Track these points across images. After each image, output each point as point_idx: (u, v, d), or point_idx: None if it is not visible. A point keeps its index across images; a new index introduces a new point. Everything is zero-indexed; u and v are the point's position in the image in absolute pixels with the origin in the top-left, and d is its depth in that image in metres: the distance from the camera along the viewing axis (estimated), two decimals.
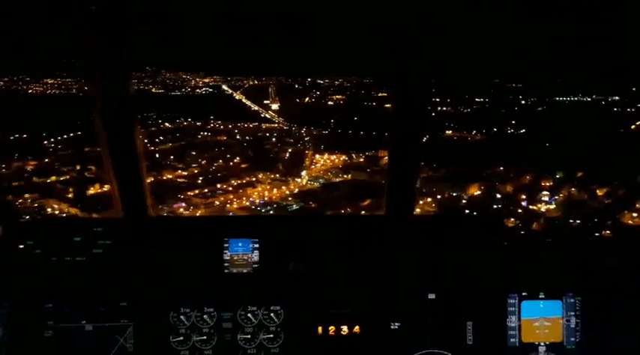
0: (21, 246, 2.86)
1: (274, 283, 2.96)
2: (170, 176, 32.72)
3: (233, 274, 2.96)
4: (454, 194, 30.81)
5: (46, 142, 38.86)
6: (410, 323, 2.93)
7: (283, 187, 33.23)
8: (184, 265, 2.93)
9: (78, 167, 33.75)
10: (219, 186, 31.52)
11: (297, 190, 33.11)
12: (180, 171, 33.72)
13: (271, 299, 2.93)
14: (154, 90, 48.62)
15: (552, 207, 30.48)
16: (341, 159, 37.02)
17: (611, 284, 3.02)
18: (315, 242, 2.99)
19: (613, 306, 2.97)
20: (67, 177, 31.98)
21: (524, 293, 2.96)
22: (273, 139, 40.72)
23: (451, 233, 3.04)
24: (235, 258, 2.96)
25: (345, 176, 34.54)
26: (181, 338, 2.85)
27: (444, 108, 50.53)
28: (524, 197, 31.03)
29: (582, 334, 2.97)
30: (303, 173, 34.56)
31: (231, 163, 35.32)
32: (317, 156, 37.28)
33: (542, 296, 2.97)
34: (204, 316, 2.87)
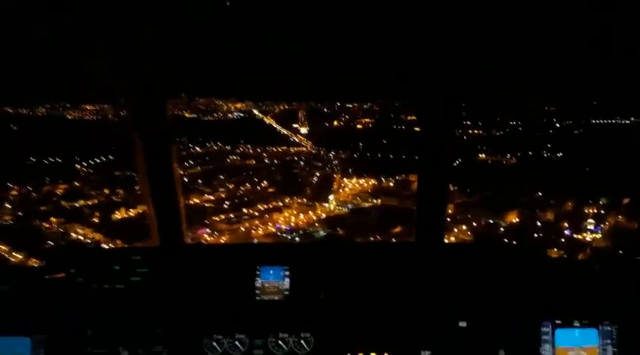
0: (63, 275, 2.90)
1: (305, 311, 2.94)
2: (197, 200, 31.81)
3: (264, 301, 2.96)
4: (491, 221, 28.76)
5: (78, 166, 38.98)
6: (441, 352, 2.84)
7: (310, 212, 31.89)
8: (217, 292, 2.94)
9: (106, 191, 33.14)
10: (245, 210, 30.41)
11: (324, 216, 31.73)
12: (207, 195, 32.80)
13: (302, 327, 2.90)
14: (187, 115, 48.52)
15: (599, 236, 28.05)
16: (370, 183, 35.46)
17: None
18: (346, 270, 2.98)
19: None
20: (95, 201, 31.37)
21: (558, 321, 2.83)
22: (302, 163, 39.59)
23: (483, 261, 2.95)
24: (267, 285, 2.97)
25: (375, 201, 33.01)
26: None
27: (476, 132, 49.02)
28: (567, 225, 28.72)
29: None
30: (331, 198, 33.12)
31: (258, 187, 34.23)
32: (345, 180, 35.82)
33: (577, 324, 2.85)
34: (236, 342, 2.87)
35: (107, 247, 23.08)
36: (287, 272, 3.00)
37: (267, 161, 40.68)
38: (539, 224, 28.95)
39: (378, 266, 3.01)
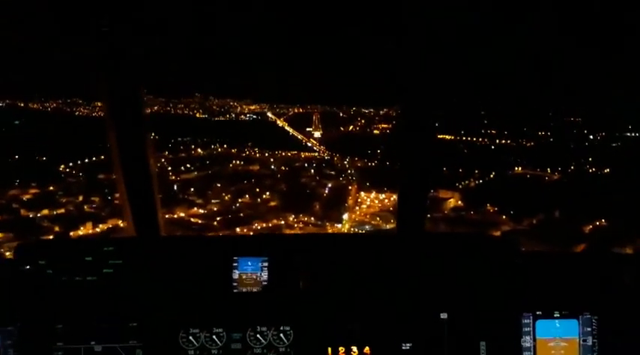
0: (32, 266, 2.67)
1: (284, 303, 2.78)
2: (183, 214, 24.29)
3: (242, 293, 2.79)
4: None
5: (62, 166, 32.50)
6: (421, 344, 2.71)
7: None
8: (193, 284, 2.76)
9: (80, 198, 25.74)
10: (238, 230, 22.66)
11: None
12: (196, 208, 25.24)
13: (281, 320, 2.73)
14: (198, 115, 43.10)
15: None
16: (392, 199, 27.31)
17: (629, 302, 2.76)
18: (326, 260, 2.82)
19: (631, 326, 2.72)
20: (62, 210, 24.06)
21: (538, 313, 2.74)
22: (312, 171, 31.88)
23: (463, 250, 2.80)
24: (244, 276, 2.80)
25: None
26: None
27: (504, 142, 41.65)
28: None
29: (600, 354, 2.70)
30: (345, 217, 25.22)
31: (258, 200, 26.64)
32: (362, 194, 27.92)
33: (557, 315, 2.75)
34: (213, 336, 2.71)
35: (78, 238, 20.00)
36: (265, 264, 2.79)
37: (273, 167, 33.25)
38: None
39: (359, 257, 2.81)
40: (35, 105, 41.75)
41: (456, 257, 2.81)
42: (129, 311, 2.70)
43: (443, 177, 30.52)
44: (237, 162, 34.13)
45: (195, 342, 2.69)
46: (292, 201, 25.82)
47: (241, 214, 24.47)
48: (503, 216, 23.28)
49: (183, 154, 36.20)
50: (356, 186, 29.04)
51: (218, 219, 23.91)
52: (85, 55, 2.68)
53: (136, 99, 2.88)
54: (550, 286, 2.82)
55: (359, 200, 27.35)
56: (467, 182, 30.14)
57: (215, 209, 25.39)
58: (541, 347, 2.72)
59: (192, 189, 27.71)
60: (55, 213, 23.93)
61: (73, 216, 23.46)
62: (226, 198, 26.73)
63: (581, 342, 2.75)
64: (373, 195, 27.22)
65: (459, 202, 26.82)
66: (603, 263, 2.98)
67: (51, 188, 27.49)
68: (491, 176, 32.02)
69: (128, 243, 2.91)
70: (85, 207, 24.67)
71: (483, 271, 2.79)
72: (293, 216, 24.14)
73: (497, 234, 22.33)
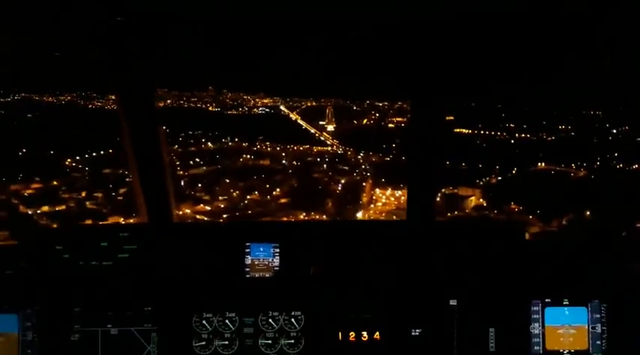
0: (50, 251, 2.73)
1: (295, 288, 2.77)
2: (188, 211, 22.58)
3: (255, 279, 2.79)
4: None
5: (69, 160, 31.12)
6: (431, 330, 2.68)
7: None
8: (207, 270, 2.78)
9: (83, 194, 24.21)
10: None
11: None
12: (202, 205, 23.50)
13: (292, 305, 2.74)
14: (210, 108, 41.60)
15: None
16: None
17: (638, 289, 2.68)
18: (337, 247, 2.79)
19: None
20: (63, 206, 22.50)
21: (547, 300, 2.68)
22: (324, 166, 29.91)
23: (473, 239, 2.74)
24: (256, 262, 2.79)
25: None
26: (203, 342, 2.69)
27: (524, 136, 39.27)
28: None
29: (608, 342, 2.67)
30: (359, 214, 23.23)
31: (268, 197, 24.78)
32: (377, 190, 25.90)
33: (566, 302, 2.70)
34: (226, 321, 2.74)
35: (94, 224, 19.10)
36: (277, 250, 2.77)
37: (284, 162, 31.44)
38: None
39: (369, 244, 2.76)
40: (50, 99, 40.95)
41: (465, 244, 2.72)
42: (144, 295, 2.68)
43: (462, 173, 28.37)
44: (248, 156, 32.36)
45: (208, 326, 2.63)
46: (303, 198, 23.96)
47: (249, 211, 22.68)
48: (530, 216, 21.08)
49: (193, 148, 34.65)
50: (370, 182, 27.04)
51: (225, 216, 22.13)
52: (98, 51, 2.62)
53: (149, 91, 2.79)
54: (559, 273, 2.71)
55: (374, 197, 25.34)
56: (488, 178, 28.00)
57: (222, 206, 23.65)
58: (550, 334, 2.60)
59: (199, 185, 25.96)
60: (55, 209, 22.35)
61: (73, 212, 21.86)
62: (234, 194, 24.99)
63: (590, 329, 2.64)
64: (389, 192, 25.16)
65: (481, 200, 24.65)
66: (612, 250, 2.87)
67: (54, 183, 26.00)
68: (513, 172, 29.80)
69: (142, 229, 2.89)
70: (87, 203, 23.16)
71: (492, 258, 2.69)
72: (304, 213, 22.27)
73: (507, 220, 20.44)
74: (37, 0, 2.10)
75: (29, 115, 38.01)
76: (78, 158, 31.15)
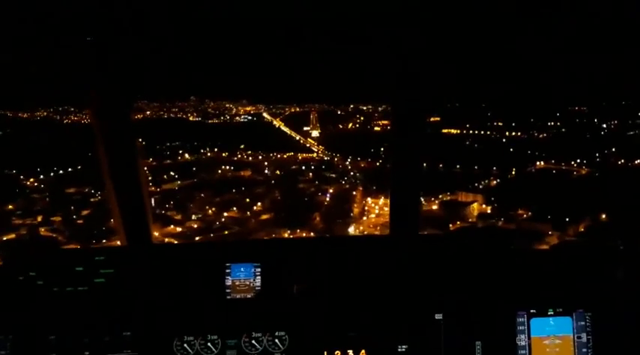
0: (22, 277, 2.51)
1: (278, 308, 2.57)
2: (156, 233, 18.93)
3: (236, 300, 2.58)
4: None
5: (32, 180, 27.64)
6: (417, 345, 2.52)
7: None
8: (187, 292, 2.55)
9: (39, 218, 20.59)
10: None
11: None
12: (172, 226, 19.98)
13: (275, 325, 2.53)
14: (191, 118, 40.71)
15: None
16: None
17: (622, 297, 2.59)
18: (319, 265, 2.59)
19: (625, 321, 2.55)
20: (12, 235, 18.76)
21: (532, 311, 2.54)
22: (310, 174, 26.69)
23: (455, 252, 2.64)
24: (237, 283, 2.59)
25: None
26: None
27: (515, 134, 36.84)
28: None
29: (594, 351, 2.59)
30: (351, 229, 19.85)
31: (248, 213, 21.34)
32: (369, 200, 22.53)
33: (551, 313, 2.55)
34: (208, 344, 2.49)
35: (68, 248, 13.99)
36: (258, 269, 2.60)
37: (267, 172, 28.20)
38: None
39: (352, 260, 2.59)
40: (25, 115, 37.76)
41: (449, 258, 2.58)
42: (122, 320, 2.46)
43: (457, 176, 25.39)
44: (227, 167, 29.02)
45: (190, 350, 2.45)
46: (288, 213, 20.57)
47: (226, 232, 19.19)
48: (541, 224, 18.06)
49: (168, 161, 31.32)
50: (361, 191, 23.77)
51: (197, 239, 18.58)
52: (75, 65, 2.47)
53: (124, 109, 2.63)
54: (543, 284, 2.59)
55: (366, 208, 22.00)
56: (487, 181, 25.04)
57: (195, 226, 20.11)
58: (536, 345, 2.53)
59: (171, 203, 22.46)
60: (4, 239, 18.66)
61: (24, 241, 18.22)
62: (210, 211, 21.53)
63: (576, 339, 2.54)
64: (382, 201, 21.78)
65: (484, 206, 21.56)
66: (595, 258, 2.77)
67: (10, 207, 22.24)
68: (513, 173, 26.95)
69: (119, 252, 2.66)
70: (42, 229, 19.47)
71: (477, 271, 2.56)
72: (289, 231, 18.86)
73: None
74: (11, 17, 1.97)
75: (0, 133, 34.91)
76: (42, 177, 27.73)
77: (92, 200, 23.51)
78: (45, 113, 37.77)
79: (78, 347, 2.40)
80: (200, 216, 21.00)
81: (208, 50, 2.45)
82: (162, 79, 2.81)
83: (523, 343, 2.49)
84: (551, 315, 2.52)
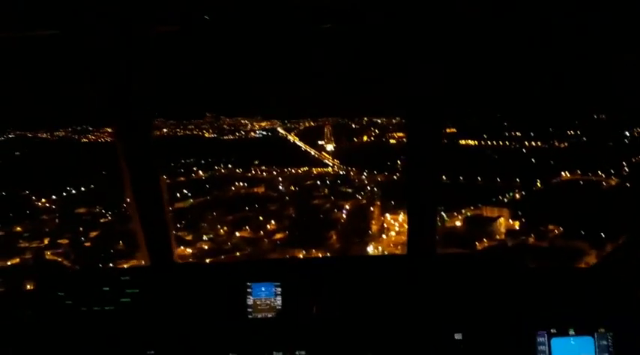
0: (52, 298, 2.57)
1: (298, 327, 2.57)
2: None
3: (257, 319, 2.59)
4: None
5: (43, 200, 26.95)
6: None
7: None
8: (209, 311, 2.57)
9: (46, 241, 19.64)
10: None
11: None
12: (182, 247, 18.73)
13: (296, 344, 2.52)
14: (207, 135, 39.50)
15: None
16: None
17: None
18: (338, 284, 2.58)
19: None
20: (17, 260, 17.79)
21: (553, 330, 2.46)
22: (325, 189, 25.39)
23: (474, 271, 2.57)
24: (258, 302, 2.58)
25: None
26: None
27: (535, 144, 35.11)
28: None
29: None
30: (370, 249, 18.32)
31: (261, 232, 20.06)
32: (388, 216, 21.00)
33: (572, 332, 2.46)
34: None
35: (95, 268, 15.30)
36: (279, 289, 2.57)
37: (281, 187, 26.99)
38: None
39: (371, 280, 2.57)
40: (44, 135, 37.63)
41: (467, 277, 2.51)
42: (146, 339, 2.49)
43: (480, 189, 23.79)
44: (240, 184, 27.93)
45: None
46: (303, 232, 19.22)
47: (237, 253, 17.88)
48: (576, 241, 16.36)
49: (182, 178, 30.41)
50: (379, 206, 22.30)
51: (207, 261, 17.35)
52: (96, 85, 2.43)
53: (146, 129, 2.62)
54: (563, 303, 2.49)
55: (385, 225, 20.48)
56: (511, 194, 23.37)
57: (205, 248, 18.86)
58: None
59: (183, 222, 21.34)
60: (8, 263, 17.69)
61: (28, 266, 17.21)
62: (221, 231, 20.31)
63: None
64: (401, 217, 20.26)
65: (511, 221, 19.87)
66: (617, 277, 2.61)
67: (18, 229, 21.41)
68: (538, 185, 25.21)
69: (144, 272, 2.69)
70: (48, 253, 18.45)
71: (496, 290, 2.49)
72: (304, 251, 17.44)
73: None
74: (32, 35, 1.99)
75: (17, 153, 34.60)
76: (54, 197, 27.01)
77: (102, 221, 22.60)
78: (63, 133, 37.63)
79: None
80: (211, 236, 19.80)
81: (223, 67, 2.40)
82: (181, 96, 3.35)
83: None
84: (572, 335, 2.44)
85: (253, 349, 2.47)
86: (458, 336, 2.43)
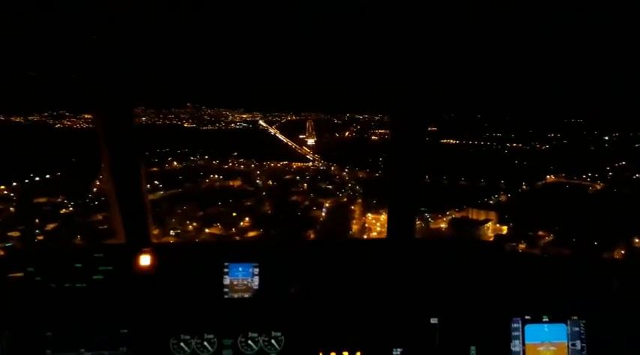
0: (21, 273, 2.46)
1: (275, 308, 2.53)
2: None
3: (233, 300, 2.52)
4: None
5: (2, 187, 24.51)
6: (412, 349, 2.47)
7: None
8: (184, 291, 2.51)
9: None
10: None
11: None
12: None
13: (272, 325, 2.50)
14: (186, 125, 38.29)
15: None
16: None
17: (616, 306, 2.52)
18: (316, 267, 2.55)
19: (619, 329, 2.49)
20: None
21: (527, 317, 2.48)
22: (305, 185, 23.66)
23: (452, 256, 2.58)
24: (235, 283, 2.52)
25: None
26: None
27: (516, 145, 34.26)
28: None
29: None
30: None
31: (233, 229, 18.17)
32: (369, 216, 19.41)
33: (546, 319, 2.49)
34: (205, 343, 2.45)
35: (67, 244, 15.20)
36: (256, 270, 2.53)
37: (258, 181, 25.15)
38: None
39: (349, 263, 2.55)
40: (18, 119, 35.00)
41: (446, 262, 2.52)
42: (119, 317, 2.41)
43: (464, 190, 22.48)
44: (216, 176, 25.96)
45: (186, 348, 2.41)
46: (278, 230, 17.47)
47: None
48: (568, 249, 15.10)
49: (154, 168, 28.23)
50: (360, 205, 20.69)
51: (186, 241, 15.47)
52: (78, 69, 2.37)
53: (128, 108, 2.56)
54: (538, 290, 2.51)
55: (366, 224, 18.91)
56: (496, 196, 22.12)
57: (171, 242, 17.02)
58: (530, 352, 2.45)
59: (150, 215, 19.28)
60: None
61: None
62: (190, 227, 18.40)
63: (570, 346, 2.47)
64: (383, 217, 18.70)
65: (498, 225, 18.56)
66: (591, 267, 2.68)
67: None
68: (524, 187, 24.04)
69: (118, 250, 2.58)
70: None
71: (472, 276, 2.50)
72: None
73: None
74: (15, 21, 1.92)
75: None
76: (15, 184, 24.56)
77: (62, 211, 20.37)
78: (38, 117, 35.03)
79: (74, 343, 2.35)
80: (179, 231, 17.88)
81: (206, 57, 2.33)
82: (162, 84, 2.62)
83: (517, 349, 2.43)
84: (545, 322, 2.46)
85: (229, 329, 2.41)
86: (434, 320, 2.42)
